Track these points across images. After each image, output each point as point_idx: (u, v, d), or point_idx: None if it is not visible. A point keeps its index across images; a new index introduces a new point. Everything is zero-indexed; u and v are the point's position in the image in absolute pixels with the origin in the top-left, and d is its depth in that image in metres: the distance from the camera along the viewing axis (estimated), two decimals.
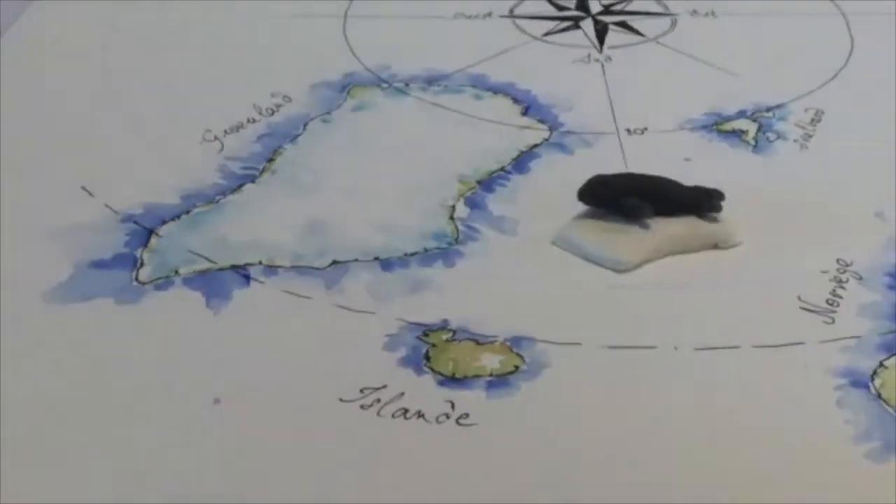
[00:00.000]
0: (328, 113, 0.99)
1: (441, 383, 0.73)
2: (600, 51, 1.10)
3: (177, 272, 0.81)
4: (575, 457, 0.69)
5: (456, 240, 0.86)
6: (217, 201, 0.88)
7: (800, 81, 1.04)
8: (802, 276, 0.82)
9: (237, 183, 0.90)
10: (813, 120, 1.00)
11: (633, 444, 0.70)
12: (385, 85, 1.04)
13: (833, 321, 0.79)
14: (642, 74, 1.07)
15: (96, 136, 0.95)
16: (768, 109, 1.02)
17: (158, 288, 0.80)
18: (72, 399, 0.71)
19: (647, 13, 1.17)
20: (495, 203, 0.89)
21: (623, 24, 1.15)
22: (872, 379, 0.74)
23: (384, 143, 0.96)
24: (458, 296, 0.80)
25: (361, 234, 0.85)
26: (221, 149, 0.94)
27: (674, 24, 1.15)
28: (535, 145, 0.96)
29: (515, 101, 1.02)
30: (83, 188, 0.88)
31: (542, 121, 1.00)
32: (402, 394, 0.72)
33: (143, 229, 0.85)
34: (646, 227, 0.84)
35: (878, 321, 0.79)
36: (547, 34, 1.13)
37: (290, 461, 0.68)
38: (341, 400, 0.71)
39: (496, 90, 1.03)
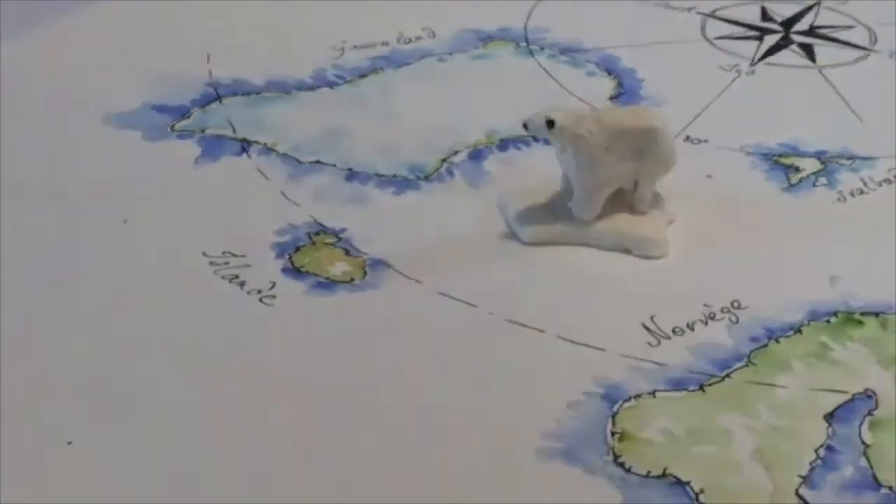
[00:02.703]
0: (449, 54, 1.09)
1: (284, 270, 0.83)
2: (751, 63, 1.08)
3: (203, 130, 0.98)
4: (331, 370, 0.76)
5: (426, 177, 0.94)
6: (289, 93, 1.04)
7: None
8: (679, 301, 0.81)
9: (318, 85, 1.05)
10: (885, 180, 0.92)
11: (388, 383, 0.75)
12: (522, 44, 1.11)
13: (658, 344, 0.77)
14: (766, 95, 1.04)
15: (253, 26, 1.12)
16: (850, 157, 0.95)
17: (180, 137, 0.97)
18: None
19: (845, 42, 1.11)
20: (493, 160, 0.95)
21: (804, 47, 1.10)
22: (626, 401, 0.73)
23: (464, 88, 1.04)
24: (376, 217, 0.89)
25: (364, 150, 0.96)
26: (338, 57, 1.09)
27: (860, 58, 1.09)
28: None
29: (620, 85, 1.05)
30: (208, 54, 1.08)
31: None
32: (249, 266, 0.84)
33: (216, 94, 1.03)
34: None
35: (700, 361, 0.76)
36: (719, 38, 1.12)
37: (136, 284, 0.82)
38: (204, 254, 0.85)
39: (612, 72, 1.07)
